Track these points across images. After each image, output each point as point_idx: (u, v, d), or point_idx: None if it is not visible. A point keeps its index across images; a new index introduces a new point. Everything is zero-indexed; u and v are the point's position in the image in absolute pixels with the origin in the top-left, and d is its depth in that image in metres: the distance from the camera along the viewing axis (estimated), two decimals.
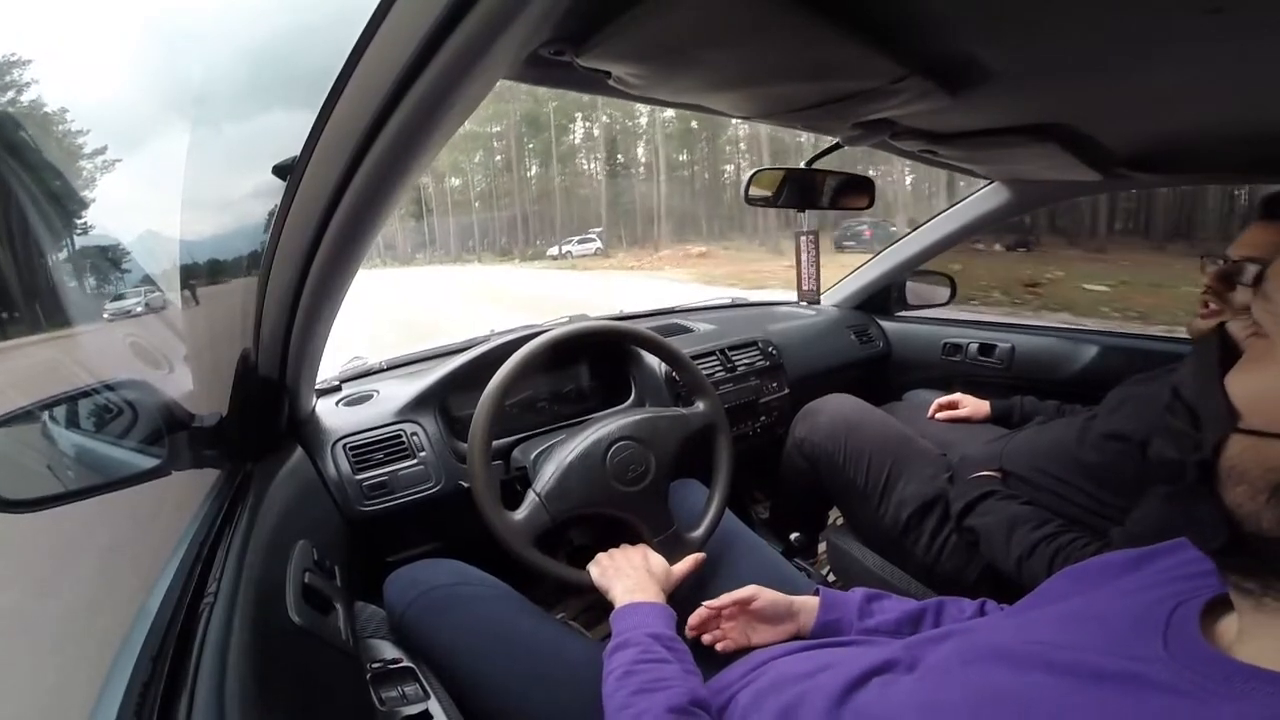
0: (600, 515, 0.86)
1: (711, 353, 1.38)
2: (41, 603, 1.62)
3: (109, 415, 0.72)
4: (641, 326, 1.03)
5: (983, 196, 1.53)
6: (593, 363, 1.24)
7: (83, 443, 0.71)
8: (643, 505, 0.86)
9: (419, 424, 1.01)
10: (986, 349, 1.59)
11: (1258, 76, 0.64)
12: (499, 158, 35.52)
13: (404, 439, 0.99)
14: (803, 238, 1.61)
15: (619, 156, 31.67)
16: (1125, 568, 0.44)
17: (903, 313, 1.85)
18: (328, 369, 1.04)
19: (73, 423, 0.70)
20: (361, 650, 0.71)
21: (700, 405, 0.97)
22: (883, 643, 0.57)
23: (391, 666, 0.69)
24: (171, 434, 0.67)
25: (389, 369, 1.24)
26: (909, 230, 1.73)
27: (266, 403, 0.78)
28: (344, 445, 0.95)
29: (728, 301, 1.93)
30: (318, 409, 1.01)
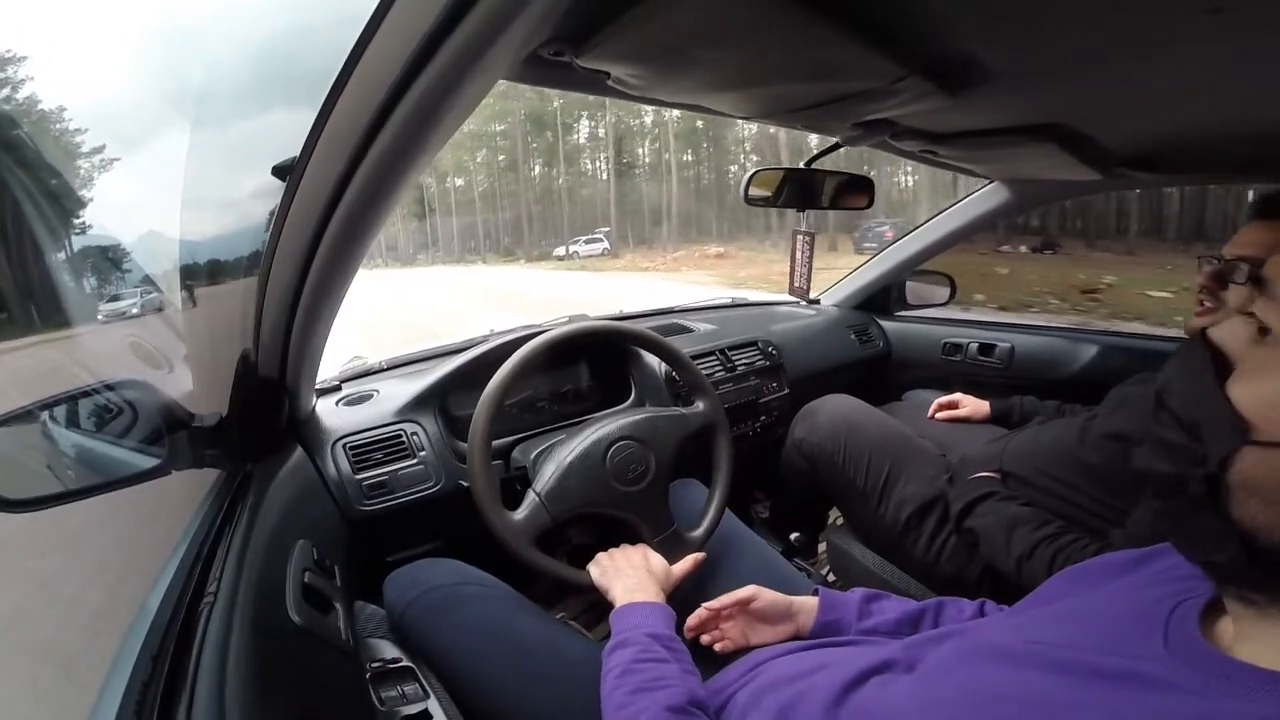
0: (600, 515, 0.86)
1: (711, 353, 1.38)
2: (42, 603, 1.62)
3: (109, 415, 0.72)
4: (641, 326, 1.03)
5: (982, 196, 1.53)
6: (592, 363, 1.24)
7: (83, 443, 0.71)
8: (643, 505, 0.86)
9: (419, 424, 1.01)
10: (986, 349, 1.59)
11: (1258, 76, 0.64)
12: (502, 157, 35.15)
13: (404, 439, 0.99)
14: (799, 237, 1.61)
15: (624, 156, 31.33)
16: (1125, 568, 0.44)
17: (903, 312, 1.85)
18: (328, 369, 1.04)
19: (73, 422, 0.70)
20: (361, 650, 0.71)
21: (700, 405, 0.97)
22: (881, 643, 0.57)
23: (391, 666, 0.68)
24: (171, 434, 0.67)
25: (389, 369, 1.24)
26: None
27: (266, 402, 0.78)
28: (344, 445, 0.95)
29: (728, 301, 1.93)
30: (318, 409, 1.01)
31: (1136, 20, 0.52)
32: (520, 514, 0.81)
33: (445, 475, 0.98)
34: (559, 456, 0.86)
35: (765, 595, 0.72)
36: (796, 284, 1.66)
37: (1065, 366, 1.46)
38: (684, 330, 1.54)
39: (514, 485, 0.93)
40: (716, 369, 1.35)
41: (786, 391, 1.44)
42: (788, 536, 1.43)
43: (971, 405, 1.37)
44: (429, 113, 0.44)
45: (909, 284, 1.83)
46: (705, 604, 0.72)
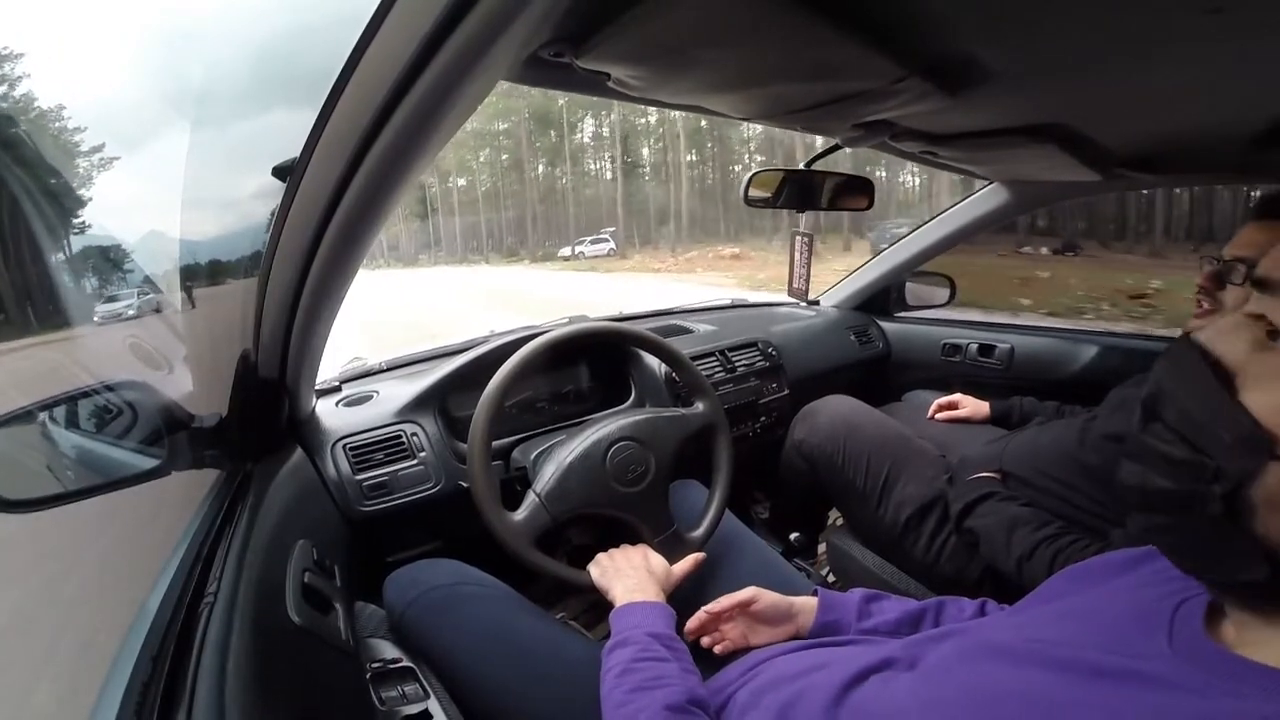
0: (600, 516, 0.86)
1: (711, 353, 1.38)
2: (42, 603, 1.62)
3: (109, 415, 0.72)
4: (641, 327, 1.03)
5: (982, 197, 1.53)
6: (592, 363, 1.24)
7: (83, 443, 0.71)
8: (643, 505, 0.86)
9: (419, 424, 1.01)
10: (986, 349, 1.59)
11: (1258, 76, 0.64)
12: (505, 156, 34.89)
13: (404, 439, 0.99)
14: (798, 238, 1.62)
15: (629, 156, 31.01)
16: (1125, 566, 0.44)
17: (902, 313, 1.85)
18: (328, 369, 1.04)
19: (73, 423, 0.70)
20: (361, 650, 0.71)
21: (700, 406, 0.97)
22: (881, 642, 0.57)
23: (391, 666, 0.68)
24: (171, 434, 0.67)
25: (389, 369, 1.24)
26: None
27: (266, 403, 0.78)
28: (344, 445, 0.95)
29: (728, 302, 1.93)
30: (318, 409, 1.01)
31: (1136, 20, 0.53)
32: (520, 514, 0.81)
33: (445, 476, 0.98)
34: (559, 457, 0.86)
35: (765, 597, 0.72)
36: (796, 285, 1.66)
37: (1065, 367, 1.46)
38: (684, 331, 1.54)
39: (514, 486, 0.93)
40: (716, 370, 1.35)
41: (786, 392, 1.44)
42: (788, 537, 1.43)
43: (971, 406, 1.37)
44: (429, 113, 0.44)
45: (908, 285, 1.83)
46: (705, 607, 0.72)
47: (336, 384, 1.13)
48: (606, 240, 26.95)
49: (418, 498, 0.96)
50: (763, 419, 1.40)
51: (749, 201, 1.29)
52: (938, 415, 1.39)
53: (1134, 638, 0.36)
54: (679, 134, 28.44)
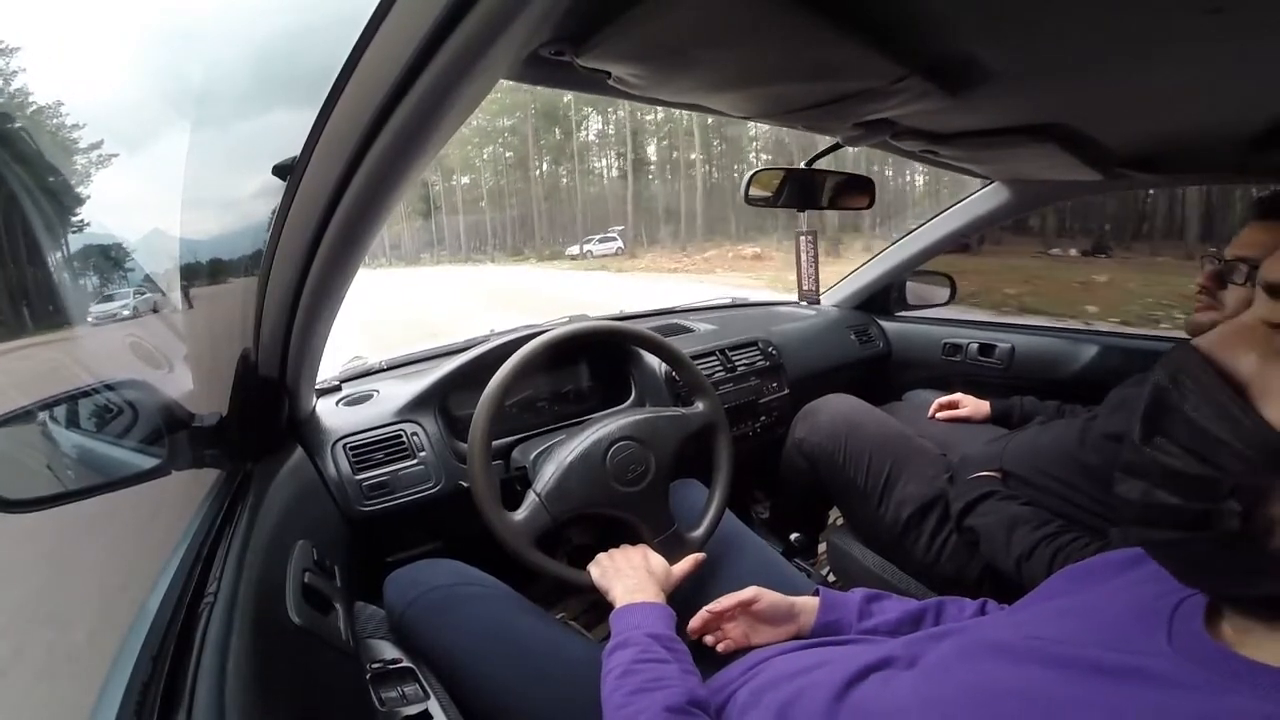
0: (600, 515, 0.86)
1: (711, 353, 1.38)
2: (42, 602, 1.62)
3: (109, 415, 0.72)
4: (641, 326, 1.03)
5: (983, 196, 1.53)
6: (592, 363, 1.24)
7: (83, 443, 0.71)
8: (643, 505, 0.86)
9: (419, 424, 1.01)
10: (986, 349, 1.59)
11: (1258, 76, 0.64)
12: (509, 154, 34.46)
13: (404, 439, 0.99)
14: (802, 238, 1.62)
15: (635, 153, 30.53)
16: (1125, 565, 0.44)
17: (903, 313, 1.85)
18: (328, 369, 1.04)
19: (73, 422, 0.70)
20: (361, 650, 0.71)
21: (700, 405, 0.97)
22: (882, 641, 0.57)
23: (391, 666, 0.68)
24: (171, 434, 0.67)
25: (389, 369, 1.24)
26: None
27: (266, 403, 0.78)
28: (344, 445, 0.95)
29: (728, 301, 1.93)
30: (318, 409, 1.01)
31: (1136, 20, 0.53)
32: (520, 514, 0.81)
33: (445, 475, 0.98)
34: (559, 457, 0.86)
35: (767, 596, 0.72)
36: (805, 287, 1.66)
37: (1065, 367, 1.46)
38: (684, 330, 1.54)
39: (514, 485, 0.93)
40: (717, 369, 1.35)
41: (787, 391, 1.44)
42: (788, 536, 1.43)
43: (972, 405, 1.37)
44: (429, 113, 0.44)
45: (909, 284, 1.83)
46: (707, 606, 0.72)
47: (336, 383, 1.13)
48: (615, 239, 26.64)
49: (418, 497, 0.96)
50: (763, 418, 1.40)
51: (750, 200, 1.29)
52: (938, 414, 1.39)
53: (1134, 635, 0.36)
54: (692, 131, 27.85)
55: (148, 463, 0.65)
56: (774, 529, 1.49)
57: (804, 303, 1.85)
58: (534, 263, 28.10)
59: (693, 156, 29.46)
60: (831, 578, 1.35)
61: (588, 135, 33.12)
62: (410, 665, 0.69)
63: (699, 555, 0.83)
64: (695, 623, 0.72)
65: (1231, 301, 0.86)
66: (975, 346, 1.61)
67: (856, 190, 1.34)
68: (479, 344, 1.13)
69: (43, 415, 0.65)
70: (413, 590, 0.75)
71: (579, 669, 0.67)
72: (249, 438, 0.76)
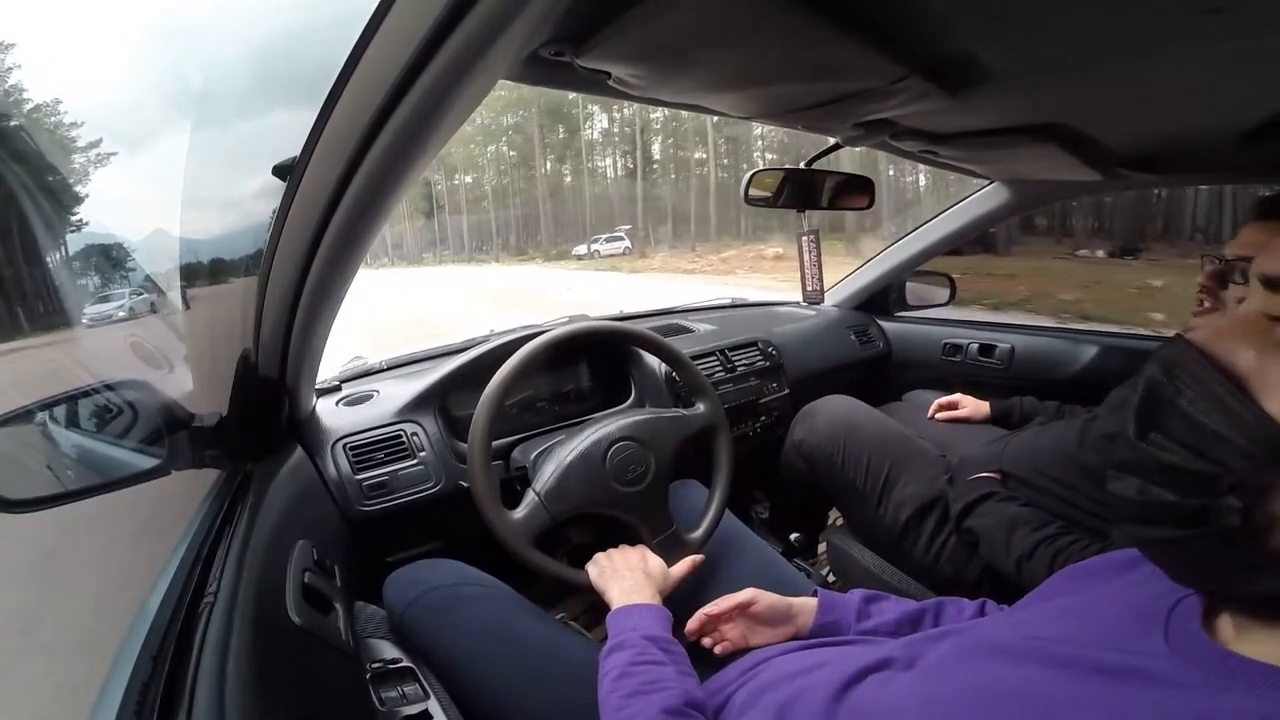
0: (600, 515, 0.86)
1: (711, 353, 1.38)
2: (41, 602, 1.62)
3: (109, 415, 0.72)
4: (641, 327, 1.03)
5: (983, 196, 1.53)
6: (592, 363, 1.24)
7: (83, 443, 0.71)
8: (642, 506, 0.86)
9: (419, 424, 1.01)
10: (986, 349, 1.59)
11: (1258, 76, 0.64)
12: (514, 153, 34.14)
13: (404, 439, 0.99)
14: (804, 239, 1.61)
15: (643, 151, 30.19)
16: (1125, 566, 0.44)
17: (903, 313, 1.85)
18: (328, 369, 1.04)
19: (73, 423, 0.70)
20: (361, 650, 0.71)
21: (701, 407, 0.97)
22: (881, 641, 0.57)
23: (391, 666, 0.68)
24: (171, 434, 0.67)
25: (389, 369, 1.24)
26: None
27: (266, 402, 0.78)
28: (344, 445, 0.95)
29: (728, 302, 1.93)
30: (318, 409, 1.01)
31: (1136, 20, 0.52)
32: (519, 513, 0.81)
33: (445, 475, 0.98)
34: (559, 456, 0.86)
35: (765, 598, 0.72)
36: (810, 287, 1.65)
37: (1065, 367, 1.46)
38: (684, 331, 1.54)
39: (514, 485, 0.93)
40: (716, 369, 1.35)
41: (786, 392, 1.44)
42: (788, 537, 1.43)
43: (971, 406, 1.37)
44: (429, 113, 0.44)
45: (909, 285, 1.83)
46: (704, 608, 0.72)
47: (337, 383, 1.13)
48: (622, 239, 26.37)
49: (418, 497, 0.96)
50: (763, 419, 1.40)
51: (749, 201, 1.29)
52: (938, 415, 1.39)
53: (1133, 636, 0.36)
54: (704, 129, 27.29)
55: (148, 463, 0.65)
56: (774, 529, 1.49)
57: (807, 303, 1.85)
58: (540, 263, 27.58)
59: (700, 155, 29.10)
60: (831, 578, 1.35)
61: (593, 134, 32.77)
62: (410, 665, 0.69)
63: (697, 557, 0.83)
64: (693, 624, 0.72)
65: (1232, 301, 0.86)
66: (975, 347, 1.61)
67: (856, 190, 1.34)
68: (479, 344, 1.13)
69: (42, 415, 0.65)
70: (413, 590, 0.75)
71: (579, 669, 0.67)
72: (249, 438, 0.76)
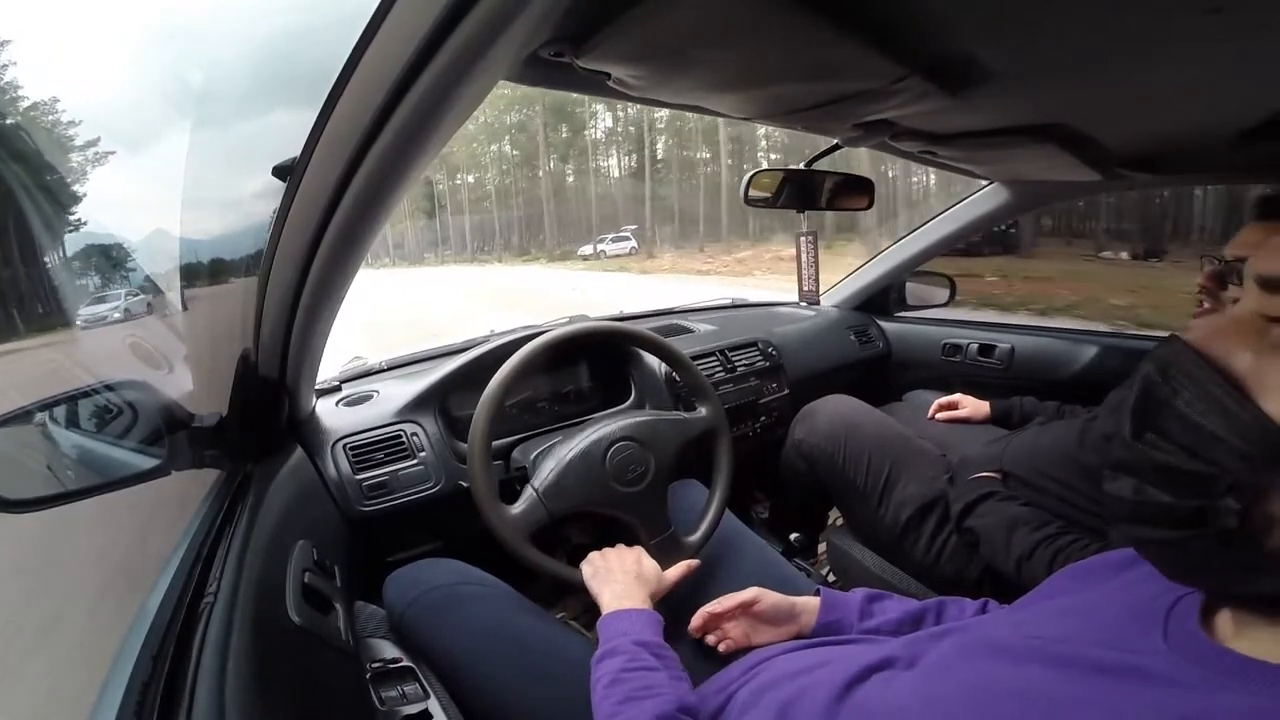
0: (599, 515, 0.86)
1: (711, 353, 1.38)
2: (41, 603, 1.62)
3: (109, 415, 0.72)
4: (641, 327, 1.03)
5: (983, 197, 1.53)
6: (593, 363, 1.24)
7: (83, 443, 0.71)
8: (641, 506, 0.86)
9: (419, 424, 1.01)
10: (986, 349, 1.59)
11: (1258, 76, 0.64)
12: (516, 152, 33.88)
13: (404, 439, 0.99)
14: (802, 239, 1.62)
15: (648, 150, 29.78)
16: (1124, 565, 0.44)
17: (902, 313, 1.85)
18: (328, 369, 1.04)
19: (73, 423, 0.70)
20: (361, 650, 0.71)
21: (702, 410, 0.97)
22: (883, 641, 0.57)
23: (391, 666, 0.68)
24: (171, 434, 0.67)
25: (389, 369, 1.24)
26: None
27: (266, 403, 0.78)
28: (344, 445, 0.95)
29: (728, 302, 1.93)
30: (318, 409, 1.01)
31: (1136, 20, 0.53)
32: (517, 508, 0.81)
33: (445, 476, 0.98)
34: (559, 454, 0.86)
35: (768, 598, 0.71)
36: (806, 287, 1.66)
37: (1065, 367, 1.46)
38: (684, 331, 1.54)
39: (514, 486, 0.93)
40: (717, 370, 1.35)
41: (786, 392, 1.44)
42: (788, 537, 1.43)
43: (971, 406, 1.37)
44: (429, 113, 0.44)
45: (909, 285, 1.83)
46: (708, 607, 0.72)
47: (337, 383, 1.13)
48: (628, 238, 26.08)
49: (418, 497, 0.96)
50: (763, 419, 1.40)
51: (749, 201, 1.29)
52: (938, 415, 1.39)
53: (1132, 634, 0.36)
54: (712, 128, 26.60)
55: (148, 463, 0.65)
56: (774, 529, 1.49)
57: (804, 303, 1.85)
58: (544, 263, 27.13)
59: (708, 154, 28.72)
60: (831, 578, 1.35)
61: (596, 133, 32.43)
62: (410, 665, 0.69)
63: (692, 562, 0.83)
64: (696, 621, 0.72)
65: (1232, 302, 0.86)
66: (975, 347, 1.61)
67: (856, 191, 1.34)
68: (479, 344, 1.13)
69: (42, 415, 0.65)
70: (413, 590, 0.75)
71: (579, 669, 0.67)
72: (249, 438, 0.76)
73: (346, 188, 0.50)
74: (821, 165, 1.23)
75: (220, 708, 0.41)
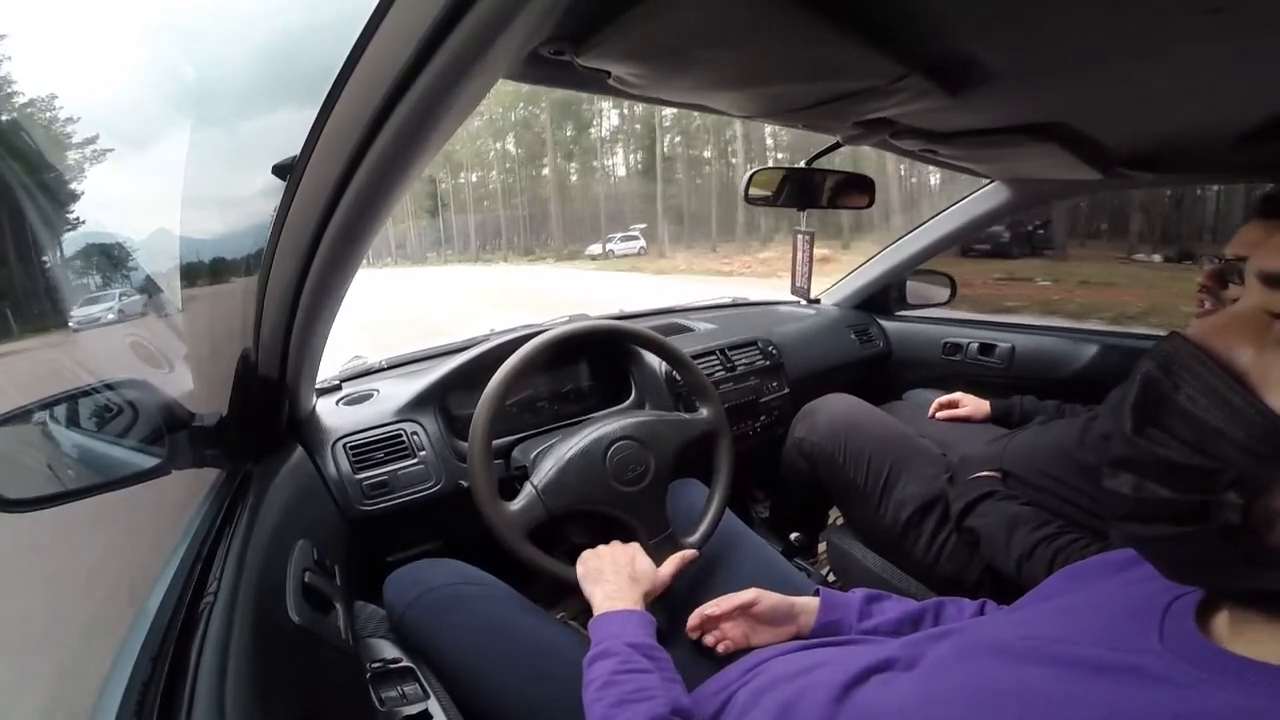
0: (598, 514, 0.86)
1: (711, 352, 1.38)
2: (41, 603, 1.62)
3: (109, 414, 0.72)
4: (642, 326, 1.03)
5: (983, 196, 1.53)
6: (593, 362, 1.24)
7: (83, 442, 0.71)
8: (640, 506, 0.86)
9: (419, 423, 1.01)
10: (986, 348, 1.59)
11: (1258, 76, 0.64)
12: (521, 150, 33.69)
13: (404, 438, 0.99)
14: (800, 237, 1.62)
15: (660, 148, 29.18)
16: (1123, 565, 0.44)
17: (903, 312, 1.85)
18: (328, 369, 1.04)
19: (73, 422, 0.70)
20: (361, 650, 0.71)
21: (703, 411, 0.97)
22: (882, 641, 0.57)
23: (391, 666, 0.69)
24: (171, 433, 0.67)
25: (389, 368, 1.24)
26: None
27: (266, 402, 0.78)
28: (344, 444, 0.95)
29: (728, 301, 1.93)
30: (318, 408, 1.01)
31: (1136, 20, 0.52)
32: (515, 505, 0.81)
33: (445, 475, 0.98)
34: (559, 453, 0.86)
35: (767, 598, 0.71)
36: (798, 284, 1.67)
37: (1065, 366, 1.46)
38: (684, 330, 1.54)
39: (514, 484, 0.93)
40: (717, 369, 1.35)
41: (787, 391, 1.44)
42: (788, 536, 1.44)
43: (972, 405, 1.37)
44: (429, 112, 0.44)
45: (909, 284, 1.83)
46: (705, 608, 0.72)
47: (337, 383, 1.13)
48: (637, 238, 25.77)
49: (418, 497, 0.96)
50: (763, 418, 1.40)
51: (750, 200, 1.29)
52: (938, 414, 1.39)
53: (1129, 634, 0.36)
54: (722, 127, 26.02)
55: (148, 462, 0.65)
56: (774, 529, 1.49)
57: (799, 300, 1.85)
58: (551, 263, 26.60)
59: (710, 154, 28.46)
60: (831, 577, 1.35)
61: (602, 131, 32.13)
62: (410, 665, 0.69)
63: (687, 553, 0.81)
64: (693, 621, 0.72)
65: (1233, 301, 0.86)
66: (975, 346, 1.61)
67: (856, 190, 1.34)
68: (479, 343, 1.13)
69: (42, 415, 0.65)
70: (413, 590, 0.75)
71: (579, 669, 0.67)
72: (249, 437, 0.76)
73: (346, 186, 0.50)
74: (821, 163, 1.23)
75: (220, 708, 0.41)
